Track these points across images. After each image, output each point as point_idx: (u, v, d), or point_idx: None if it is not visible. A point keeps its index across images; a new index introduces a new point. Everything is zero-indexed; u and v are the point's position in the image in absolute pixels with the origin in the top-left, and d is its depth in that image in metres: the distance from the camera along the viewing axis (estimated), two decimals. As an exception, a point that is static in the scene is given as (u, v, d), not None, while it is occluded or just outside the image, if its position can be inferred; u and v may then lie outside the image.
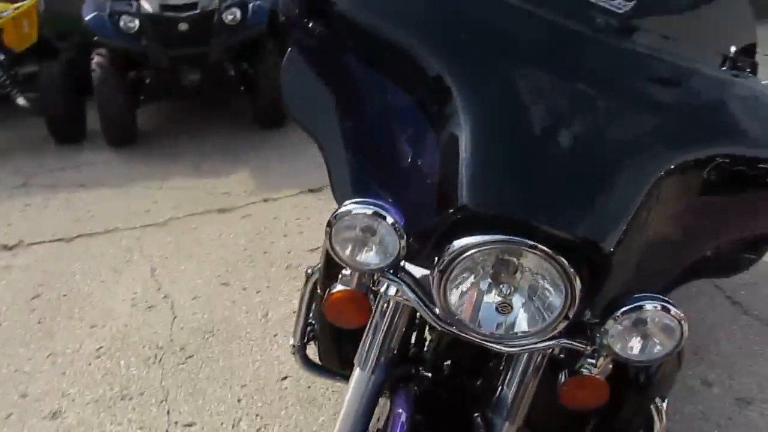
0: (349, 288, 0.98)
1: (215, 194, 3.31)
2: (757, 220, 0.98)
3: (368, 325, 1.02)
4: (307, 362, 1.48)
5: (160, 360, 2.10)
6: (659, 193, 0.83)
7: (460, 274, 0.84)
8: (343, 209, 0.87)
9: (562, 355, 0.96)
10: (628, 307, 0.80)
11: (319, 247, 2.69)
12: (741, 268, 1.02)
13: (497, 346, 0.88)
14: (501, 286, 0.84)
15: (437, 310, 0.89)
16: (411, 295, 0.93)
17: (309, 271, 1.61)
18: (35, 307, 2.43)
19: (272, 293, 2.44)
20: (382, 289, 0.97)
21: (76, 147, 4.02)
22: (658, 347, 0.83)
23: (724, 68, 1.01)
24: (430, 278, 0.87)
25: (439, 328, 0.93)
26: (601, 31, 0.94)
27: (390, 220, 0.84)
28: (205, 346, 2.16)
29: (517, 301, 0.83)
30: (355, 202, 0.86)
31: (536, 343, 0.87)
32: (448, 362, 1.18)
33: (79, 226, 3.02)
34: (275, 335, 2.20)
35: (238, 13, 3.73)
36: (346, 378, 1.49)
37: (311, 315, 1.43)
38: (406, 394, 1.06)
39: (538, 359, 0.97)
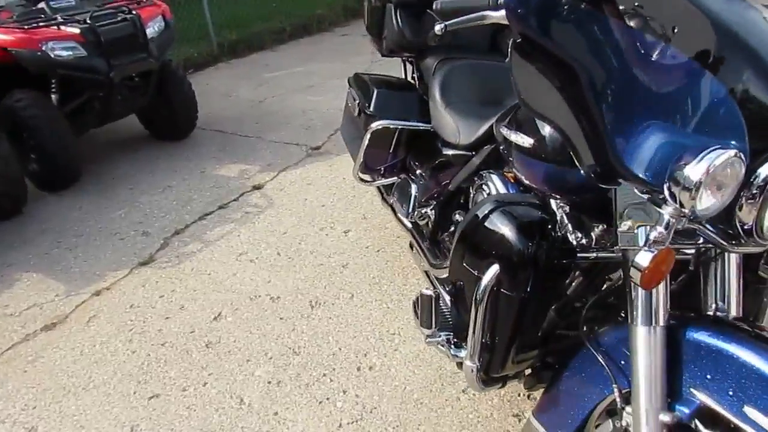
0: (666, 247, 1.02)
1: (17, 314, 2.50)
2: None
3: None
4: (487, 381, 1.39)
5: None
6: None
7: None
8: (703, 169, 0.91)
9: None
10: None
11: (221, 316, 2.35)
12: None
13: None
14: None
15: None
16: (712, 232, 1.03)
17: (429, 294, 1.51)
18: None
19: (223, 378, 2.06)
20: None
21: None
22: None
23: None
24: (743, 203, 0.99)
25: (735, 251, 1.07)
26: None
27: (736, 153, 0.92)
28: (208, 467, 1.74)
29: None
30: (713, 159, 0.91)
31: None
32: None
33: None
34: (276, 413, 1.89)
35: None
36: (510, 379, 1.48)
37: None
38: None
39: None
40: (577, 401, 1.31)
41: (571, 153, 1.14)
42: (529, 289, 1.28)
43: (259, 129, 4.33)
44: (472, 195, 1.74)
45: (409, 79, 2.60)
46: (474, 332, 1.33)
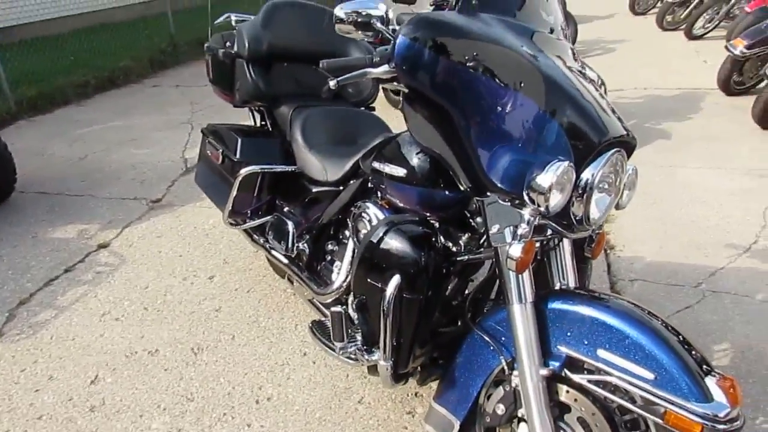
0: (529, 239, 1.35)
1: None
2: None
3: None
4: (397, 377, 1.60)
5: None
6: None
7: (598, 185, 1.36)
8: (551, 177, 1.26)
9: None
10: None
11: (99, 378, 2.25)
12: None
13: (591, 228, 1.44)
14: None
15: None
16: (556, 224, 1.39)
17: (339, 311, 1.69)
18: None
19: (119, 437, 2.01)
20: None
21: None
22: None
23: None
24: (573, 201, 1.35)
25: (571, 236, 1.44)
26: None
27: (569, 164, 1.28)
28: None
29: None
30: (556, 170, 1.26)
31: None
32: None
33: None
34: (185, 459, 1.92)
35: None
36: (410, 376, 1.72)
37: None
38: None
39: None
40: (469, 379, 1.60)
41: (452, 174, 1.44)
42: (426, 291, 1.55)
43: (88, 187, 4.14)
44: (351, 224, 1.96)
45: (258, 126, 2.79)
46: (385, 335, 1.56)
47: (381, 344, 1.59)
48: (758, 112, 4.57)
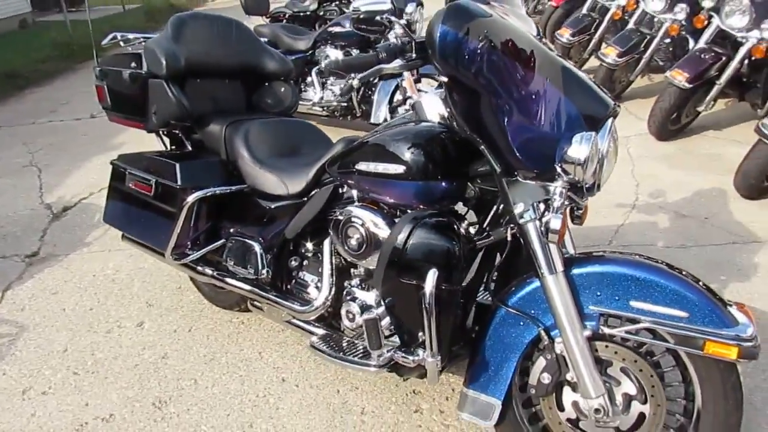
0: (564, 210, 1.43)
1: None
2: None
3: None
4: (441, 371, 1.57)
5: None
6: None
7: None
8: (585, 149, 1.35)
9: None
10: None
11: None
12: None
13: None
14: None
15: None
16: (572, 194, 1.49)
17: (374, 317, 1.62)
18: None
19: None
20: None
21: None
22: None
23: None
24: (591, 167, 1.46)
25: (584, 204, 1.55)
26: None
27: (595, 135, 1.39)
28: None
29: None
30: (588, 142, 1.35)
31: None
32: None
33: None
34: None
35: None
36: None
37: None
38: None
39: None
40: (503, 356, 1.64)
41: (487, 158, 1.48)
42: (462, 279, 1.56)
43: (-65, 253, 3.48)
44: (335, 233, 1.86)
45: (170, 150, 2.59)
46: (430, 332, 1.54)
47: (427, 341, 1.56)
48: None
